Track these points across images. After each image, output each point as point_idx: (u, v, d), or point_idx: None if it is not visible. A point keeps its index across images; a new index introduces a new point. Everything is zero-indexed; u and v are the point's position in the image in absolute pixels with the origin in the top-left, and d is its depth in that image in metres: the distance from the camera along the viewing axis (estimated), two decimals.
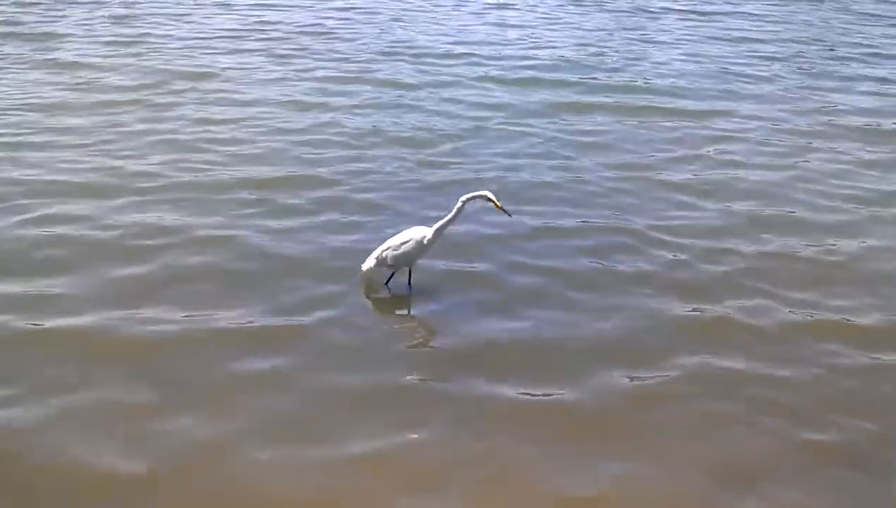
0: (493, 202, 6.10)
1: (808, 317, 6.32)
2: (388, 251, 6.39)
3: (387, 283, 6.55)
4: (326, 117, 10.38)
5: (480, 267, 6.88)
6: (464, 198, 6.19)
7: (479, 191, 6.25)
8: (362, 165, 8.89)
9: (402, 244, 6.34)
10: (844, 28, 17.46)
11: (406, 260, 6.40)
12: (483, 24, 16.82)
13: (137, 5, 16.64)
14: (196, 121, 10.00)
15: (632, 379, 5.52)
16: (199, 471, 4.60)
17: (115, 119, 9.95)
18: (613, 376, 5.54)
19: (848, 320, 6.30)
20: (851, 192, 8.74)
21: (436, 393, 5.35)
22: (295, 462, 4.68)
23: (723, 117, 11.04)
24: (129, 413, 4.99)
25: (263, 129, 9.83)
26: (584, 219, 7.87)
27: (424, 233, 6.34)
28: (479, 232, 7.46)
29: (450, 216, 6.26)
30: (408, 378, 5.46)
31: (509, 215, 6.45)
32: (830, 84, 12.90)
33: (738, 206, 8.25)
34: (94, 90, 11.05)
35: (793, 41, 16.04)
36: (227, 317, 5.95)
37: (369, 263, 6.49)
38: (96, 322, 5.82)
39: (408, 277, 6.54)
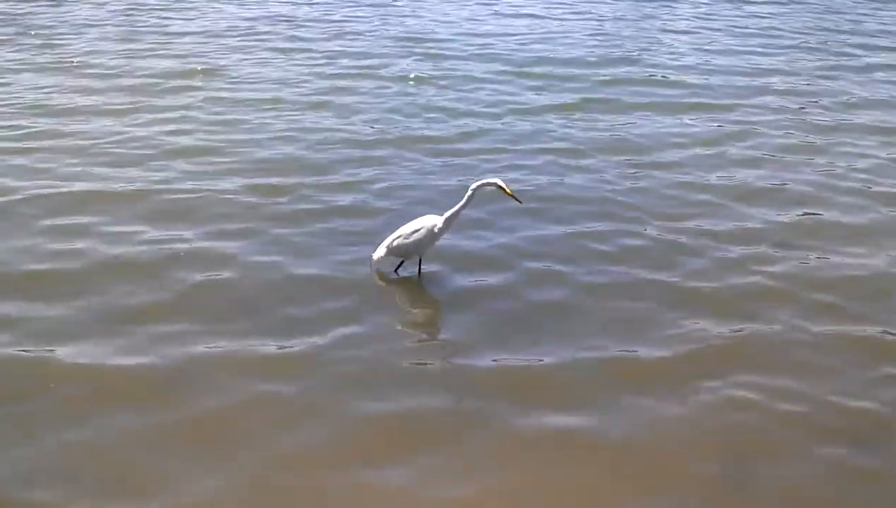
0: (504, 189, 6.04)
1: (841, 329, 5.96)
2: (398, 240, 6.30)
3: (396, 271, 6.49)
4: (336, 117, 10.12)
5: (501, 277, 6.56)
6: (474, 185, 6.15)
7: (489, 178, 6.20)
8: (375, 169, 8.58)
9: (413, 233, 6.27)
10: (861, 15, 17.11)
11: (417, 249, 6.33)
12: (493, 14, 16.60)
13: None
14: (205, 124, 9.74)
15: (662, 401, 5.17)
16: None
17: (121, 123, 9.69)
18: (641, 398, 5.18)
19: (886, 331, 5.96)
20: (882, 190, 8.38)
21: (458, 418, 5.02)
22: (313, 493, 4.42)
23: (745, 112, 10.65)
24: (138, 445, 4.70)
25: (273, 132, 9.55)
26: (605, 222, 7.53)
27: (435, 221, 6.27)
28: (499, 239, 7.16)
29: (460, 204, 6.20)
30: (429, 402, 5.13)
31: (520, 202, 6.32)
32: (855, 77, 12.48)
33: (765, 207, 7.88)
34: (99, 92, 10.82)
35: (814, 29, 15.72)
36: (240, 338, 5.64)
37: (380, 253, 6.40)
38: (101, 345, 5.51)
39: (418, 267, 6.46)
